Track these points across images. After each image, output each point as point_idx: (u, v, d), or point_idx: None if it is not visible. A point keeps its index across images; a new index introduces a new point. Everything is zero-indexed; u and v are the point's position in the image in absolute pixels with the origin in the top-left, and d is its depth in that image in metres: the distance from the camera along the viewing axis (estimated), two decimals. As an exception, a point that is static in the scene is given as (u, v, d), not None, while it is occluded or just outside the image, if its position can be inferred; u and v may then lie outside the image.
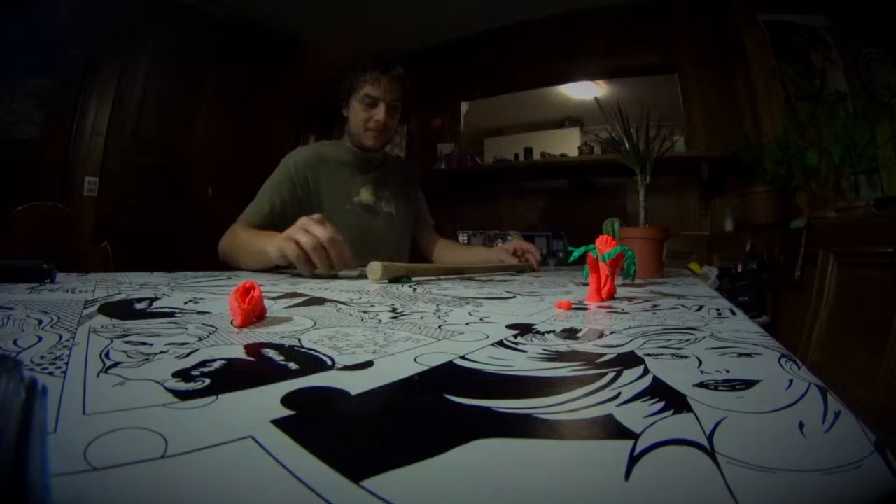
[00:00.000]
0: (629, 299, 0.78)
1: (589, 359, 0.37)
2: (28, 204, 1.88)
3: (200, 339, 0.40)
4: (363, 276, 1.10)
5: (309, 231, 1.07)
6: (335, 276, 1.11)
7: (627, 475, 0.19)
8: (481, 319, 0.54)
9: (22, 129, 3.40)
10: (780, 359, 0.37)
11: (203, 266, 1.22)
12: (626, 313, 0.62)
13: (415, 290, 0.87)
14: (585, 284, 0.86)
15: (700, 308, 0.68)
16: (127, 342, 0.39)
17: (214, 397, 0.26)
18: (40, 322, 0.45)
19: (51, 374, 0.30)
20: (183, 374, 0.30)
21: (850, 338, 2.15)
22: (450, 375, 0.33)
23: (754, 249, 3.11)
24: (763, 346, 0.42)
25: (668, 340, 0.44)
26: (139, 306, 0.59)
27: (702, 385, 0.30)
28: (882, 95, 3.30)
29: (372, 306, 0.63)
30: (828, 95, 3.26)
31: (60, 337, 0.40)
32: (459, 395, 0.28)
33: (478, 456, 0.20)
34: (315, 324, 0.49)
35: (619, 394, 0.29)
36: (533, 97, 5.11)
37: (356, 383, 0.29)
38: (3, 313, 0.49)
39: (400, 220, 1.83)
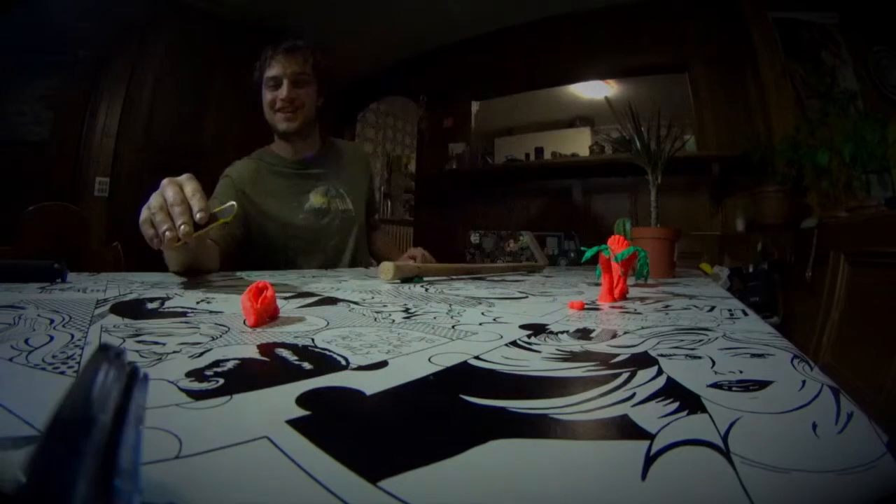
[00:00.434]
0: (641, 299, 0.78)
1: (603, 359, 0.37)
2: (39, 205, 1.89)
3: (213, 339, 0.40)
4: (374, 277, 1.09)
5: (161, 193, 0.84)
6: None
7: (644, 475, 0.19)
8: (494, 319, 0.54)
9: (33, 131, 3.42)
10: (793, 360, 0.37)
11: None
12: (639, 313, 0.62)
13: (427, 289, 0.87)
14: (597, 284, 0.86)
15: (712, 308, 0.67)
16: (139, 342, 0.39)
17: (228, 397, 0.26)
18: (52, 321, 0.46)
19: (62, 373, 0.30)
20: (196, 374, 0.30)
21: (861, 339, 2.13)
22: (465, 376, 0.33)
23: (765, 249, 3.09)
24: (776, 347, 0.41)
25: (682, 341, 0.44)
26: (151, 306, 0.59)
27: (716, 385, 0.30)
28: (892, 94, 3.27)
29: (384, 306, 0.63)
30: (838, 94, 3.24)
31: (72, 336, 0.40)
32: (475, 396, 0.28)
33: (494, 456, 0.20)
34: (328, 324, 0.49)
35: (634, 394, 0.29)
36: (543, 97, 5.09)
37: (371, 383, 0.30)
38: (14, 312, 0.49)
39: (357, 213, 1.73)
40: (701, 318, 0.58)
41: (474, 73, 4.92)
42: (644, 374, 0.33)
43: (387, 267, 1.02)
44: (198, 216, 0.80)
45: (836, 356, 2.27)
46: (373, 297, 0.72)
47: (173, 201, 0.80)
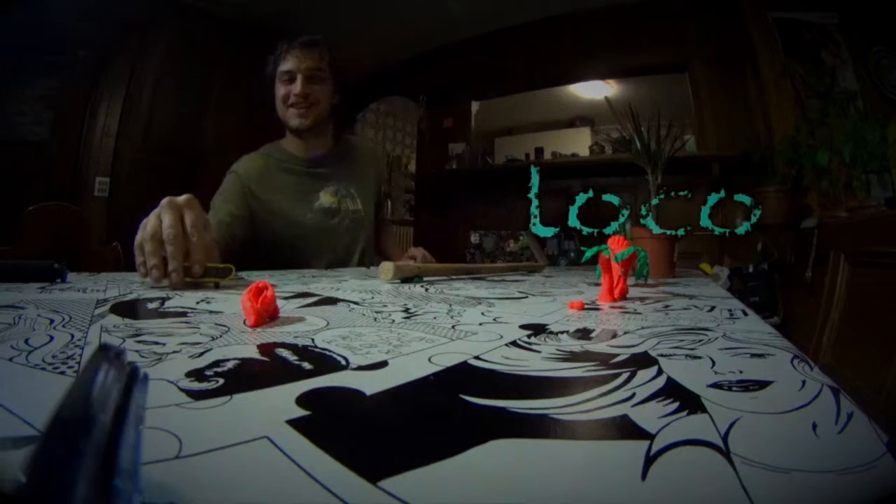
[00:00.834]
0: (641, 299, 0.78)
1: (603, 359, 0.37)
2: (39, 205, 1.89)
3: (213, 339, 0.40)
4: (374, 277, 1.09)
5: (159, 216, 0.80)
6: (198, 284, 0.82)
7: (644, 475, 0.19)
8: (494, 319, 0.54)
9: (33, 131, 3.42)
10: (793, 360, 0.37)
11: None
12: (639, 313, 0.62)
13: (427, 290, 0.87)
14: (597, 284, 0.86)
15: (712, 308, 0.67)
16: (139, 342, 0.39)
17: (228, 397, 0.26)
18: (52, 321, 0.46)
19: (62, 373, 0.30)
20: (196, 374, 0.30)
21: (861, 339, 2.13)
22: (465, 376, 0.33)
23: (765, 249, 3.09)
24: (776, 347, 0.41)
25: (682, 341, 0.44)
26: (151, 306, 0.59)
27: (716, 385, 0.30)
28: (892, 94, 3.27)
29: (384, 306, 0.63)
30: (838, 94, 3.24)
31: (72, 336, 0.40)
32: (475, 396, 0.28)
33: (494, 456, 0.20)
34: (328, 324, 0.49)
35: (634, 394, 0.29)
36: (543, 97, 5.09)
37: (371, 383, 0.30)
38: (14, 312, 0.49)
39: (367, 213, 1.71)
40: (701, 318, 0.58)
41: (474, 73, 4.92)
42: (644, 374, 0.33)
43: (387, 267, 1.02)
44: (194, 268, 0.79)
45: (836, 356, 2.27)
46: (373, 297, 0.72)
47: (168, 237, 0.77)
